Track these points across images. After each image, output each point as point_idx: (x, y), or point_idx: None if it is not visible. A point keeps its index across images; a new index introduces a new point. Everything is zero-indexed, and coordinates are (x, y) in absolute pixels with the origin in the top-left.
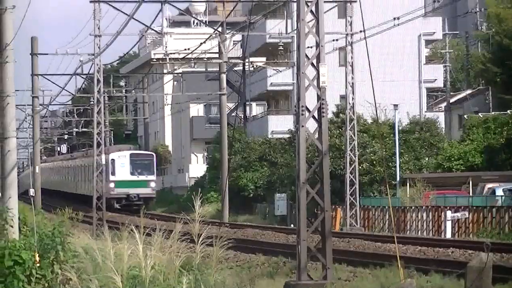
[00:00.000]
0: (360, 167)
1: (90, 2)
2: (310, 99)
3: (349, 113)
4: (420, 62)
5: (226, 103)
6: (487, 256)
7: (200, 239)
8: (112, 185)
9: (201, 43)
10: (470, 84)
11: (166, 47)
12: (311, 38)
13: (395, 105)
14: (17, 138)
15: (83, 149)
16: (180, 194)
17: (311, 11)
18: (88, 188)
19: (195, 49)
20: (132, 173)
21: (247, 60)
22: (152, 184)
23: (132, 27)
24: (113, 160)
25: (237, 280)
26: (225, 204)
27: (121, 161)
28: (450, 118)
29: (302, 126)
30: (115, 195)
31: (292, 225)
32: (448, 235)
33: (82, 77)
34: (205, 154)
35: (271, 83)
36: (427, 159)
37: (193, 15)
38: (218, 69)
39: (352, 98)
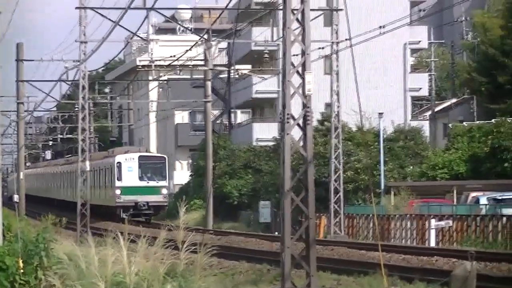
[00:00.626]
0: (344, 175)
1: (76, 8)
2: (295, 107)
3: (334, 121)
4: (406, 71)
5: (211, 111)
6: (471, 264)
7: (184, 246)
8: (118, 191)
9: (186, 50)
10: (455, 93)
11: (151, 54)
12: (297, 46)
13: (380, 113)
14: (1, 144)
15: (68, 155)
16: None
17: (297, 19)
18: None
19: (181, 56)
20: (141, 178)
21: (232, 68)
22: (164, 191)
23: (117, 34)
24: (119, 163)
25: (221, 287)
26: (209, 211)
27: (129, 165)
28: (435, 126)
29: (287, 133)
30: (121, 203)
31: (276, 233)
32: (432, 244)
33: (67, 84)
34: (190, 161)
35: (256, 90)
36: (411, 167)
37: (179, 22)
38: (203, 76)
39: (337, 106)
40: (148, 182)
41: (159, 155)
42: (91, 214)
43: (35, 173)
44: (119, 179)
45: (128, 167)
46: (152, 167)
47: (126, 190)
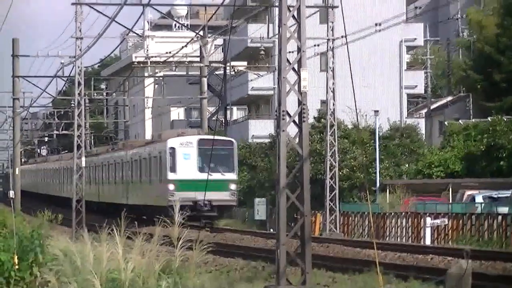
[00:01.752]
0: (340, 172)
1: (72, 4)
2: (291, 104)
3: (329, 118)
4: (401, 68)
5: (207, 107)
6: (466, 263)
7: (180, 243)
8: (171, 186)
9: (182, 47)
10: (450, 91)
11: (147, 50)
12: (292, 43)
13: (376, 111)
14: None
15: (64, 151)
16: None
17: (293, 16)
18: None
19: (176, 53)
20: (201, 169)
21: (228, 64)
22: (232, 186)
23: (113, 30)
24: (172, 149)
25: (216, 284)
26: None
27: (185, 151)
28: (431, 124)
29: (283, 130)
30: (175, 202)
31: (271, 230)
32: (428, 242)
33: (63, 80)
34: None
35: (252, 87)
36: (407, 165)
37: (175, 19)
38: (199, 72)
39: (333, 104)
40: (211, 175)
41: (225, 138)
42: (131, 217)
43: (33, 169)
44: (173, 170)
45: (184, 155)
46: (217, 154)
47: (182, 185)
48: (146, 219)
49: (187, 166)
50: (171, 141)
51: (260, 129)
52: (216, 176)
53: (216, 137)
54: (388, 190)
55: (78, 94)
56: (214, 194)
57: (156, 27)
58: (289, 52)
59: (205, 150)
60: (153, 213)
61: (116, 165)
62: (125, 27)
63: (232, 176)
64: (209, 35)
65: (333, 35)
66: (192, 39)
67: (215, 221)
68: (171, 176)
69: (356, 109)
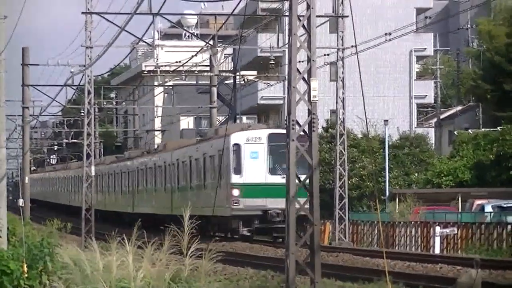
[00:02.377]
0: (349, 181)
1: (82, 13)
2: (300, 113)
3: (339, 128)
4: (411, 78)
5: (217, 116)
6: (476, 272)
7: (189, 252)
8: (235, 192)
9: (192, 56)
10: (460, 101)
11: (157, 59)
12: (302, 53)
13: (385, 120)
14: (6, 148)
15: (74, 160)
16: None
17: (303, 26)
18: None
19: (186, 62)
20: (273, 171)
21: (238, 74)
22: None
23: (123, 39)
24: (237, 146)
25: None
26: None
27: (253, 148)
28: (440, 134)
29: (292, 140)
30: (240, 211)
31: (281, 239)
32: (437, 251)
33: (73, 88)
34: None
35: (262, 96)
36: (416, 174)
37: (185, 28)
38: (209, 82)
39: (343, 113)
40: (283, 177)
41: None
42: (186, 229)
43: (44, 178)
44: (238, 172)
45: (252, 153)
46: None
47: (250, 191)
48: (198, 233)
49: (255, 167)
50: (235, 136)
51: None
52: None
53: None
54: (397, 199)
55: (88, 103)
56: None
57: (166, 36)
58: (299, 61)
59: (277, 147)
60: (209, 225)
61: (156, 169)
62: (135, 36)
63: None
64: (219, 45)
65: (343, 45)
66: (202, 48)
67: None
68: (235, 179)
69: (366, 119)
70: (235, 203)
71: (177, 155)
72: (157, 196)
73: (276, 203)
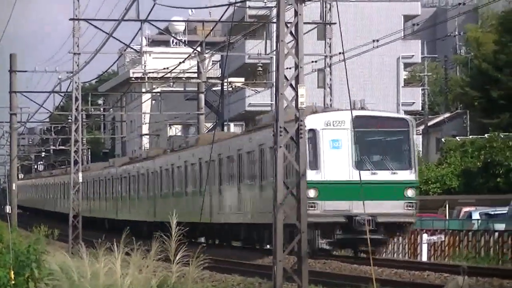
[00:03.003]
0: None
1: (70, 19)
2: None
3: None
4: (399, 85)
5: (204, 123)
6: (463, 279)
7: (177, 258)
8: (311, 193)
9: (180, 63)
10: (448, 108)
11: (145, 66)
12: (290, 59)
13: None
14: None
15: (61, 167)
16: None
17: (291, 32)
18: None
19: (174, 69)
20: (359, 165)
21: (225, 80)
22: (410, 193)
23: (111, 46)
24: (313, 132)
25: None
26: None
27: (334, 135)
28: (428, 141)
29: (280, 147)
30: (318, 218)
31: (268, 246)
32: (424, 258)
33: (61, 95)
34: None
35: (250, 103)
36: None
37: (173, 35)
38: (196, 88)
39: None
40: (374, 173)
41: (396, 115)
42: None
43: (33, 184)
44: (314, 166)
45: (332, 142)
46: (381, 141)
47: (330, 191)
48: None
49: (337, 160)
50: (310, 119)
51: None
52: (382, 175)
53: (381, 114)
54: None
55: (75, 109)
56: (379, 205)
57: (153, 43)
58: (287, 68)
59: (365, 134)
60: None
61: (188, 167)
62: (123, 42)
63: (409, 175)
64: (206, 51)
65: (330, 52)
66: (190, 55)
67: (380, 248)
68: (310, 176)
69: (352, 126)
70: (311, 207)
71: (224, 147)
72: (191, 200)
73: (367, 208)
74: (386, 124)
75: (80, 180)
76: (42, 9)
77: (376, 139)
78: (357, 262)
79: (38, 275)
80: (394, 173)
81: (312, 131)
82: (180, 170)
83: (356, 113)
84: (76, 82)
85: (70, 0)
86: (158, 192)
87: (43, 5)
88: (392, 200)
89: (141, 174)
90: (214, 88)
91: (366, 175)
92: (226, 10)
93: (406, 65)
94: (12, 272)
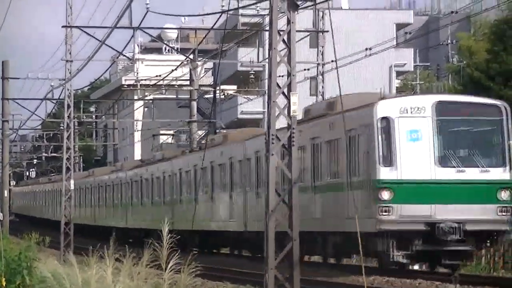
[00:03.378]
0: None
1: (62, 27)
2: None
3: None
4: (391, 93)
5: (197, 131)
6: (454, 287)
7: (169, 266)
8: (385, 194)
9: (172, 70)
10: None
11: (137, 73)
12: (282, 67)
13: None
14: None
15: (52, 174)
16: None
17: (283, 40)
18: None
19: (166, 76)
20: (443, 161)
21: (218, 88)
22: (505, 195)
23: (103, 53)
24: (386, 121)
25: None
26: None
27: (412, 125)
28: None
29: (272, 154)
30: (393, 224)
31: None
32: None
33: (53, 102)
34: None
35: (242, 111)
36: None
37: (165, 42)
38: (189, 96)
39: None
40: (461, 171)
41: (487, 100)
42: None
43: (27, 191)
44: (388, 162)
45: (411, 132)
46: (468, 132)
47: (408, 192)
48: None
49: (416, 155)
50: (383, 106)
51: None
52: (471, 173)
53: (468, 99)
54: None
55: (68, 116)
56: (467, 210)
57: (146, 50)
58: (279, 76)
59: (450, 123)
60: (340, 242)
61: (221, 167)
62: (115, 50)
63: (503, 173)
64: (199, 59)
65: (323, 60)
66: (182, 62)
67: (469, 262)
68: (384, 174)
69: (345, 133)
70: (385, 211)
71: (312, 130)
72: (234, 204)
73: (450, 212)
74: (475, 112)
75: (72, 187)
76: (34, 16)
77: (462, 129)
78: (349, 270)
79: (30, 282)
80: (485, 170)
81: (385, 119)
82: (205, 171)
83: (438, 98)
84: (68, 89)
85: (62, 7)
86: (177, 197)
87: (36, 13)
88: (482, 203)
89: (156, 177)
90: (206, 96)
91: (451, 173)
92: (218, 18)
93: (399, 73)
94: (4, 279)
